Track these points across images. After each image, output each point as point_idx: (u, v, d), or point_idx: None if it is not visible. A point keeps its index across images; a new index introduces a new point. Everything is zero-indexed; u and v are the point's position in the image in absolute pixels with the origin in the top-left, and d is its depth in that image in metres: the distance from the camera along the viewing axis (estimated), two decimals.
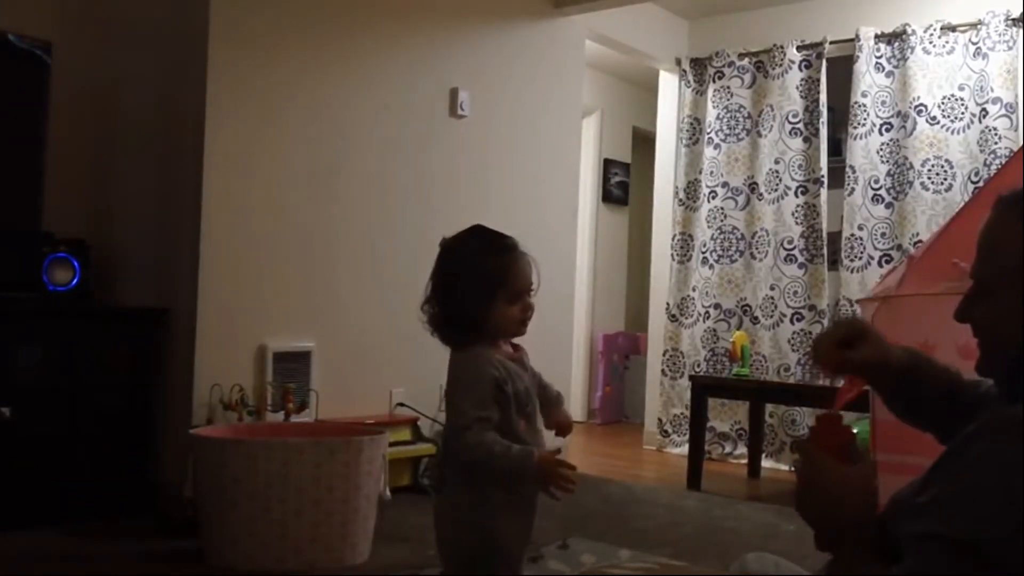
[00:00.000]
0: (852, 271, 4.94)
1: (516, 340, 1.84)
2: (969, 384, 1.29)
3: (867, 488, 1.12)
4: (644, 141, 6.95)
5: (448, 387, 1.77)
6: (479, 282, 1.73)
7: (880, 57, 4.92)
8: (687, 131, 5.58)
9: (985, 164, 4.54)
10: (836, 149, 5.21)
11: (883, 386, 1.32)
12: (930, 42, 4.74)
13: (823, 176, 5.07)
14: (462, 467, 1.73)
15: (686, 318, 5.48)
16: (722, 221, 5.41)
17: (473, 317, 1.73)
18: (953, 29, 4.71)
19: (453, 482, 1.77)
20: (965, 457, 0.99)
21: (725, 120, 5.44)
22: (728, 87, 5.44)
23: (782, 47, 5.23)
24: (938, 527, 0.96)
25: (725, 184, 5.41)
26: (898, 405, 1.33)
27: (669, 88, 5.77)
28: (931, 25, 4.74)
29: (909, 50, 4.79)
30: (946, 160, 4.67)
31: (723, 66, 5.45)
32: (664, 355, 5.56)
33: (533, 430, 1.77)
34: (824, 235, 5.07)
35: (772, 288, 5.21)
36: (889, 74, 4.90)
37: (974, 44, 4.63)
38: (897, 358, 1.28)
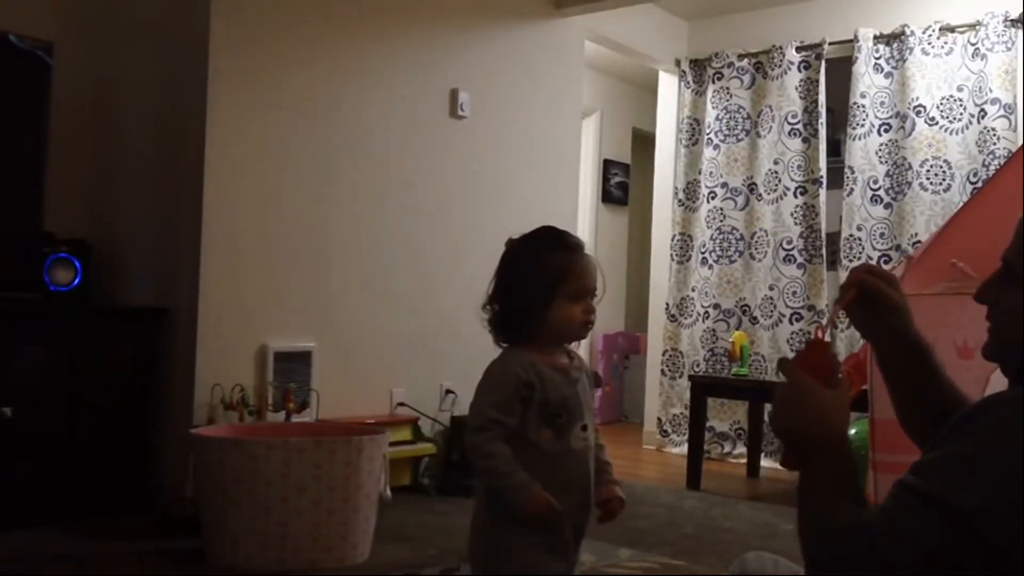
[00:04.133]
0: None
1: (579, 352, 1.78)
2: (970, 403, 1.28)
3: (841, 411, 1.14)
4: (644, 142, 6.96)
5: (476, 389, 1.71)
6: (540, 279, 1.68)
7: (879, 58, 4.93)
8: (686, 132, 5.59)
9: (984, 165, 4.55)
10: (835, 150, 5.22)
11: (892, 355, 1.30)
12: (929, 43, 4.75)
13: (822, 176, 5.08)
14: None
15: (685, 318, 5.49)
16: (721, 221, 5.42)
17: (532, 316, 1.68)
18: (952, 30, 4.72)
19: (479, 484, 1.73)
20: (966, 428, 1.00)
21: (724, 121, 5.45)
22: (727, 88, 5.45)
23: (781, 48, 5.24)
24: (925, 485, 0.97)
25: (724, 184, 5.42)
26: (898, 378, 1.32)
27: (668, 89, 5.78)
28: (930, 26, 4.75)
29: (908, 51, 4.80)
30: (945, 161, 4.68)
31: (722, 67, 5.46)
32: (663, 355, 5.57)
33: (563, 445, 1.68)
34: (823, 235, 5.08)
35: (771, 288, 5.22)
36: (888, 75, 4.91)
37: (973, 45, 4.64)
38: (918, 333, 1.28)
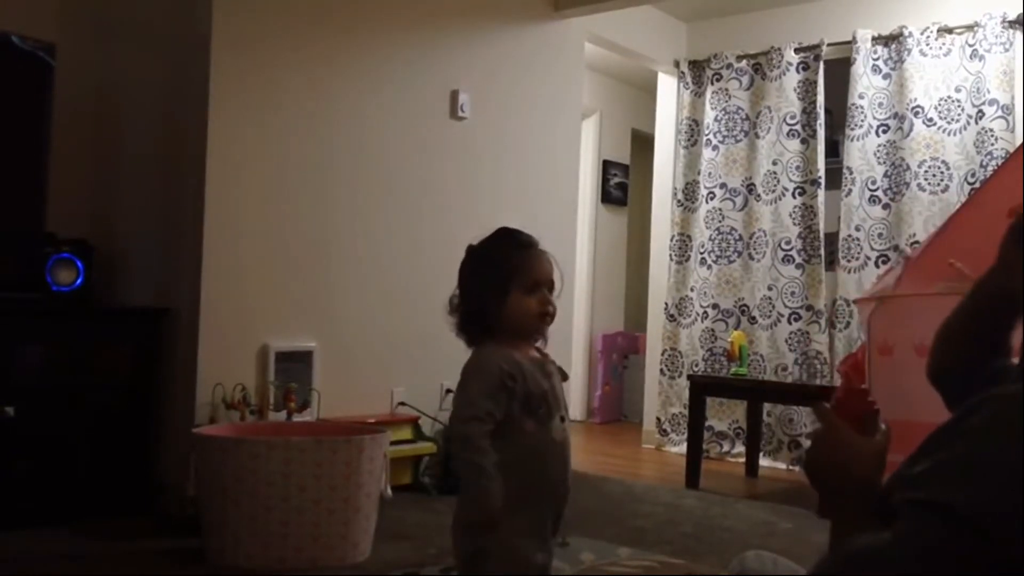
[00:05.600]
0: (849, 271, 4.97)
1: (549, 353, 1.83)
2: None
3: (877, 459, 1.13)
4: (643, 142, 6.97)
5: (458, 384, 1.76)
6: (495, 274, 1.75)
7: (877, 59, 4.95)
8: (685, 133, 5.60)
9: (981, 165, 4.56)
10: (833, 150, 5.24)
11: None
12: (927, 44, 4.77)
13: (820, 177, 5.10)
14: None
15: (684, 318, 5.50)
16: (720, 222, 5.43)
17: (490, 311, 1.74)
18: (950, 31, 4.73)
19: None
20: (962, 428, 1.00)
21: (723, 122, 5.46)
22: (726, 89, 5.46)
23: (780, 49, 5.25)
24: (928, 495, 0.97)
25: (723, 185, 5.44)
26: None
27: (668, 90, 5.79)
28: (928, 27, 4.76)
29: (906, 52, 4.81)
30: (943, 161, 4.70)
31: (721, 68, 5.47)
32: (663, 355, 5.58)
33: (545, 433, 1.75)
34: (821, 236, 5.09)
35: (770, 288, 5.23)
36: (886, 76, 4.92)
37: (971, 46, 4.66)
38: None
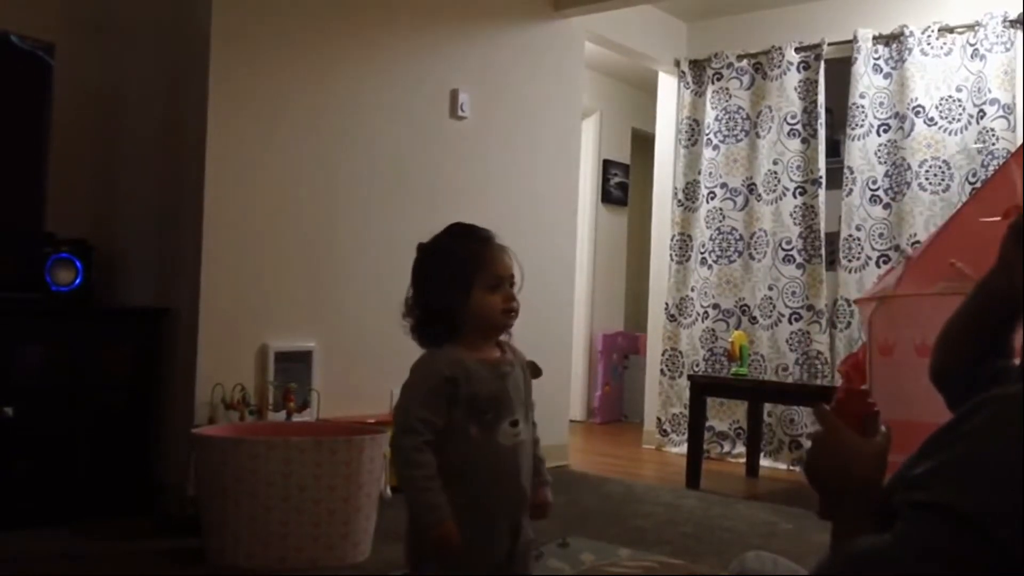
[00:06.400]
0: (850, 271, 4.96)
1: (516, 345, 1.76)
2: None
3: (878, 460, 1.13)
4: (643, 142, 6.97)
5: (400, 390, 1.70)
6: (455, 272, 1.67)
7: (878, 59, 4.94)
8: (686, 132, 5.59)
9: (982, 165, 4.55)
10: (834, 150, 5.23)
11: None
12: (928, 44, 4.76)
13: (821, 177, 5.09)
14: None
15: (685, 318, 5.50)
16: (721, 222, 5.43)
17: (451, 310, 1.67)
18: (951, 31, 4.72)
19: None
20: (963, 429, 1.00)
21: (724, 121, 5.46)
22: (727, 88, 5.45)
23: (780, 49, 5.24)
24: (930, 496, 0.97)
25: (724, 185, 5.43)
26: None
27: (668, 89, 5.79)
28: (929, 27, 4.76)
29: (907, 51, 4.80)
30: (944, 161, 4.69)
31: (722, 67, 5.47)
32: (663, 355, 5.58)
33: (489, 440, 1.66)
34: (822, 235, 5.09)
35: (770, 288, 5.23)
36: (887, 75, 4.92)
37: (972, 45, 4.65)
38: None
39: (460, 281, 1.67)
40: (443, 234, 1.76)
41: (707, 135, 5.47)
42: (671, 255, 5.57)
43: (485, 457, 1.67)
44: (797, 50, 5.22)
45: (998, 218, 3.29)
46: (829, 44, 5.11)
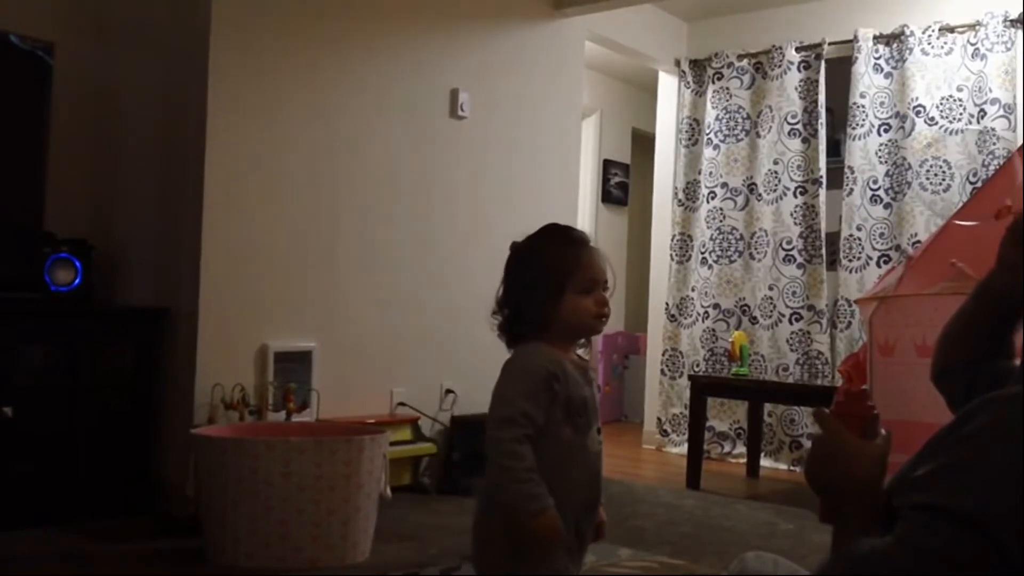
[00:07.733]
0: (850, 271, 4.96)
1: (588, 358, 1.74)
2: None
3: (878, 463, 1.12)
4: (643, 142, 6.96)
5: (497, 381, 1.64)
6: (548, 274, 1.64)
7: (879, 58, 4.94)
8: (686, 132, 5.59)
9: (983, 165, 4.55)
10: (835, 150, 5.23)
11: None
12: (928, 43, 4.76)
13: (822, 177, 5.09)
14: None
15: (685, 318, 5.49)
16: (721, 221, 5.43)
17: (544, 313, 1.63)
18: (951, 30, 4.72)
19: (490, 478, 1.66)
20: (964, 431, 1.00)
21: (724, 121, 5.45)
22: (727, 88, 5.45)
23: (781, 48, 5.24)
24: (932, 498, 0.97)
25: (724, 185, 5.43)
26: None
27: (668, 89, 5.79)
28: (929, 26, 4.75)
29: (907, 51, 4.80)
30: (944, 161, 4.69)
31: (722, 67, 5.47)
32: (663, 355, 5.57)
33: (581, 444, 1.64)
34: (823, 235, 5.09)
35: (771, 288, 5.22)
36: (888, 75, 4.91)
37: (972, 45, 4.65)
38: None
39: (553, 283, 1.64)
40: (537, 234, 1.72)
41: (707, 135, 5.47)
42: (671, 255, 5.57)
43: (576, 459, 1.64)
44: (797, 50, 5.22)
45: (976, 223, 3.29)
46: (830, 44, 5.11)
